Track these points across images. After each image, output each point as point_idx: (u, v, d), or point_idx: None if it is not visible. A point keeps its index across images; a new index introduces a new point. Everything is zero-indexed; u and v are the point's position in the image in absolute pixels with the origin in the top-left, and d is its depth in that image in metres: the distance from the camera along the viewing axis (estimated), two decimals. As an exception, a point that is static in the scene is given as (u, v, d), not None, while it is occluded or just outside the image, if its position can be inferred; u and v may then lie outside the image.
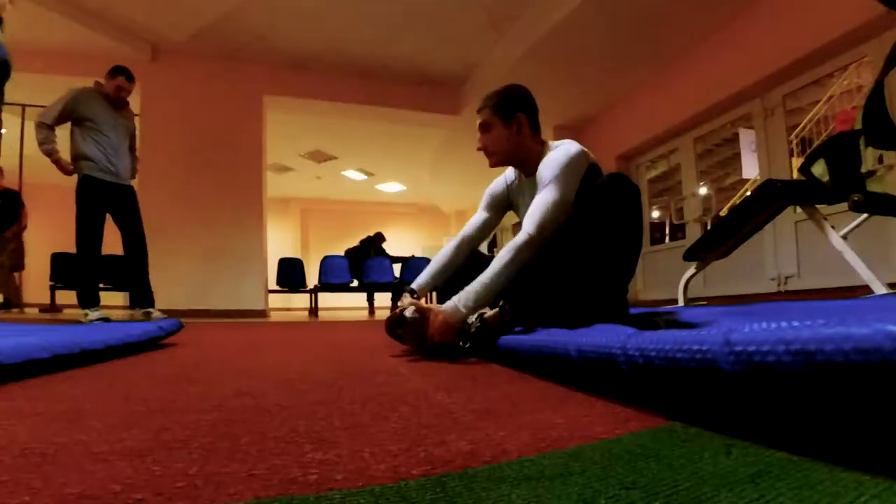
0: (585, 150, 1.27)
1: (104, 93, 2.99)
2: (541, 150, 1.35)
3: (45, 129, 2.79)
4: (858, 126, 1.55)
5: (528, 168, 1.37)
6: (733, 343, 0.42)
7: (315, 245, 10.60)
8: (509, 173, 1.51)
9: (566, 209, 1.20)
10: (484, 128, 1.36)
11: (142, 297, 3.09)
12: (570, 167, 1.22)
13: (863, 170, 2.30)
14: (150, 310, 3.05)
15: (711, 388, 0.50)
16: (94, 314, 2.87)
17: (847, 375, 0.33)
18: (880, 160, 2.74)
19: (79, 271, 2.93)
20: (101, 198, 2.93)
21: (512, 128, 1.33)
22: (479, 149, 1.40)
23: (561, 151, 1.25)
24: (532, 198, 1.30)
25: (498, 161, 1.39)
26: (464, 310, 1.15)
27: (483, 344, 1.15)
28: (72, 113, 2.86)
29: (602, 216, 1.11)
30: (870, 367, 0.32)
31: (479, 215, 1.53)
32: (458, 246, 1.49)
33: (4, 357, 0.79)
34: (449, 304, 1.17)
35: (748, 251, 3.05)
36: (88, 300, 2.90)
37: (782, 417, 0.51)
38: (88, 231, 2.90)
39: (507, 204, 1.52)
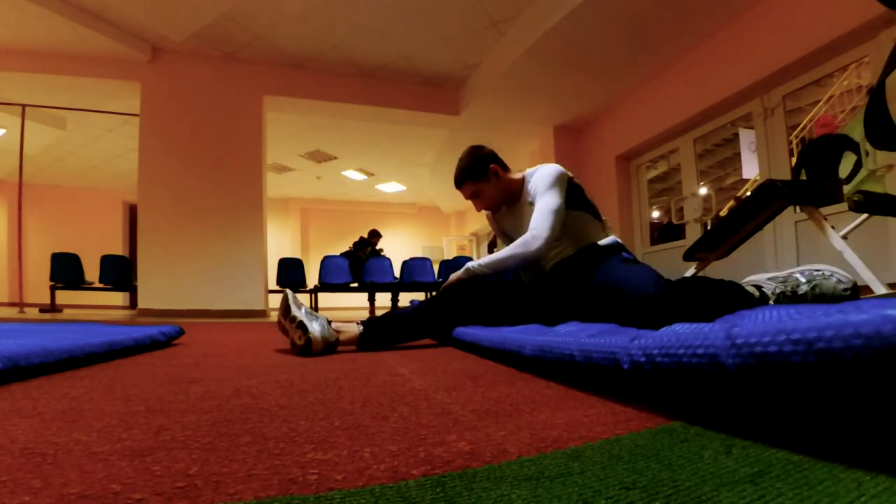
0: (562, 168, 1.56)
1: None
2: (519, 180, 1.62)
3: None
4: (843, 131, 1.55)
5: (514, 198, 1.64)
6: (735, 337, 0.42)
7: (315, 245, 10.60)
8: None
9: (562, 213, 1.47)
10: (475, 196, 1.64)
11: None
12: (558, 180, 1.50)
13: (866, 170, 2.29)
14: None
15: (714, 387, 0.50)
16: None
17: (848, 362, 0.33)
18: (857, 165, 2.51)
19: None
20: None
21: (493, 180, 1.60)
22: (479, 210, 1.70)
23: (546, 171, 1.52)
24: (516, 218, 1.63)
25: (498, 207, 1.68)
26: (473, 269, 1.49)
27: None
28: None
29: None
30: (870, 351, 0.32)
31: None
32: None
33: (8, 362, 0.79)
34: (464, 268, 1.51)
35: (748, 251, 3.04)
36: None
37: (782, 417, 0.51)
38: None
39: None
